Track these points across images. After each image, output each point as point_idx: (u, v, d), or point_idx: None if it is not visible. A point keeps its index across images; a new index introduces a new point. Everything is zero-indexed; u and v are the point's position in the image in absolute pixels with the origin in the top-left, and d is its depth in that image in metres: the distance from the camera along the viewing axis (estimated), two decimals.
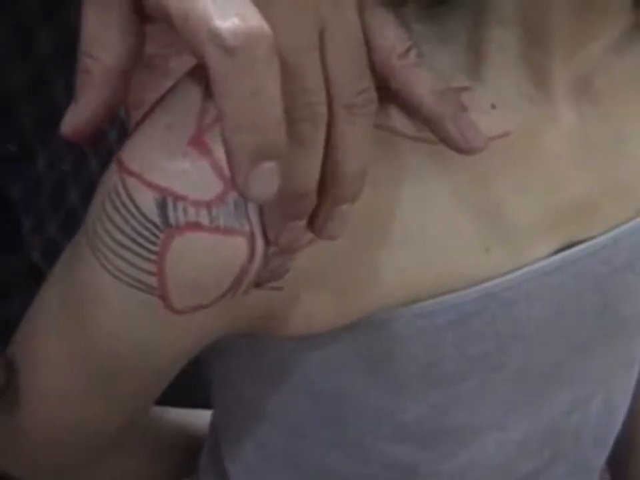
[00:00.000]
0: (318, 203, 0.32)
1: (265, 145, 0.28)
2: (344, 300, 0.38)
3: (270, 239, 0.33)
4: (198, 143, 0.32)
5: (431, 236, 0.38)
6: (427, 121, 0.35)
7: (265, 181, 0.29)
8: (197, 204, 0.32)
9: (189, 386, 0.49)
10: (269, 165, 0.28)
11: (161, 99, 0.34)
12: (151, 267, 0.33)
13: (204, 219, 0.32)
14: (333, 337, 0.40)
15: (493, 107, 0.37)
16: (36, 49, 0.50)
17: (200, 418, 0.58)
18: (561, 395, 0.47)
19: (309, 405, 0.44)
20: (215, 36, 0.27)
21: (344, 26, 0.32)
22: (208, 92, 0.32)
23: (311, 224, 0.33)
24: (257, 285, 0.35)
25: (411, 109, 0.35)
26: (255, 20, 0.27)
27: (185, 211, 0.32)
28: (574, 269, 0.42)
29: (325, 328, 0.39)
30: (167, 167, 0.32)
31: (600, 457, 0.54)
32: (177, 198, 0.32)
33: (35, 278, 0.55)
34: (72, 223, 0.59)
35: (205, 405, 0.57)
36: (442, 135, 0.35)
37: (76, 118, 0.32)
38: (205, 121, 0.32)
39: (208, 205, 0.32)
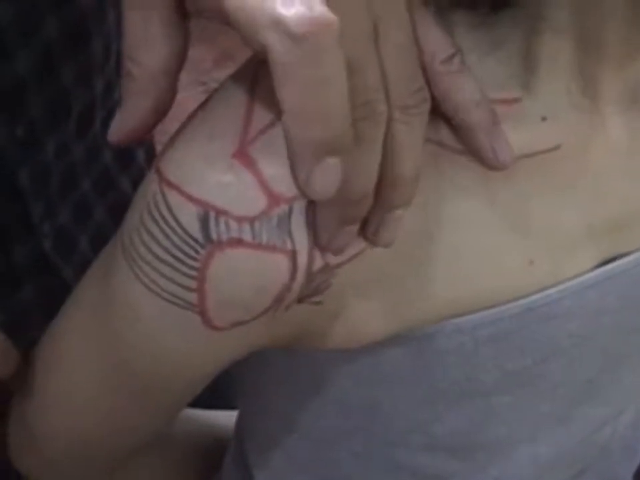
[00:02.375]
0: (371, 208, 0.31)
1: (330, 139, 0.27)
2: (384, 314, 0.37)
3: (321, 243, 0.32)
4: (242, 156, 0.31)
5: (474, 250, 0.37)
6: (460, 129, 0.34)
7: (328, 177, 0.27)
8: (240, 219, 0.31)
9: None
10: (333, 161, 0.27)
11: (203, 106, 0.32)
12: (191, 283, 0.32)
13: (246, 235, 0.31)
14: (370, 350, 0.39)
15: (544, 119, 0.36)
16: (43, 34, 0.49)
17: (220, 419, 0.58)
18: (594, 409, 0.46)
19: (341, 416, 0.43)
20: (279, 23, 0.26)
21: (397, 24, 0.31)
22: (252, 100, 0.31)
23: (364, 231, 0.32)
24: (300, 300, 0.34)
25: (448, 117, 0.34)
26: (321, 7, 0.26)
27: (227, 226, 0.31)
28: (614, 283, 0.41)
29: (364, 342, 0.38)
30: (210, 180, 0.31)
31: (628, 469, 0.54)
32: (220, 213, 0.30)
33: (45, 267, 0.55)
34: (83, 212, 0.59)
35: (218, 405, 0.56)
36: (473, 146, 0.34)
37: (123, 125, 0.31)
38: (250, 133, 0.31)
39: (251, 221, 0.31)
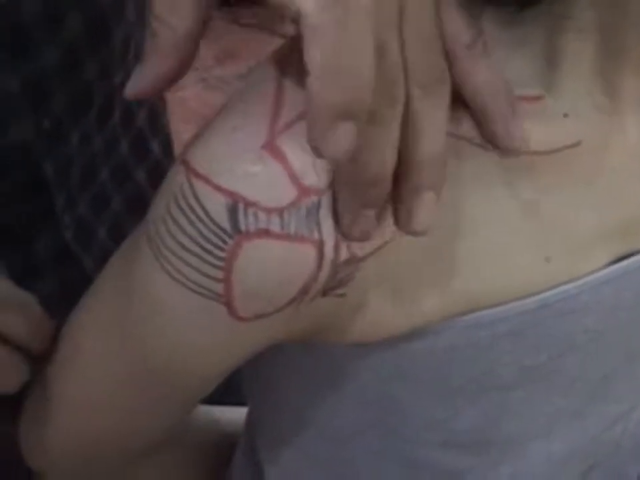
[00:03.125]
0: (400, 193, 0.31)
1: (351, 102, 0.27)
2: (405, 309, 0.37)
3: (342, 228, 0.32)
4: (271, 147, 0.31)
5: (493, 246, 0.37)
6: (477, 113, 0.34)
7: (341, 139, 0.27)
8: (269, 210, 0.31)
9: None
10: (350, 125, 0.27)
11: (230, 100, 0.33)
12: (218, 274, 0.32)
13: (275, 226, 0.31)
14: (389, 344, 0.39)
15: (565, 115, 0.36)
16: (68, 29, 0.50)
17: (230, 414, 0.58)
18: (608, 406, 0.46)
19: (357, 412, 0.43)
20: None
21: (421, 6, 0.31)
22: (280, 91, 0.31)
23: (397, 217, 0.32)
24: (324, 293, 0.34)
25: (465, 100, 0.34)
26: None
27: (255, 217, 0.31)
28: (629, 279, 0.41)
29: (384, 336, 0.38)
30: (239, 171, 0.31)
31: (636, 466, 0.54)
32: (249, 204, 0.31)
33: (66, 258, 0.55)
34: (101, 202, 0.59)
35: (228, 401, 0.56)
36: (487, 130, 0.34)
37: (143, 81, 0.32)
38: (278, 124, 0.31)
39: (280, 212, 0.31)
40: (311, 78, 0.27)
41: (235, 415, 0.57)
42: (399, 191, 0.31)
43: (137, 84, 0.32)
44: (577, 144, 0.36)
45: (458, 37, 0.33)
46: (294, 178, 0.31)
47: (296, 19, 0.27)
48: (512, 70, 0.35)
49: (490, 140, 0.34)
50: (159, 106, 0.65)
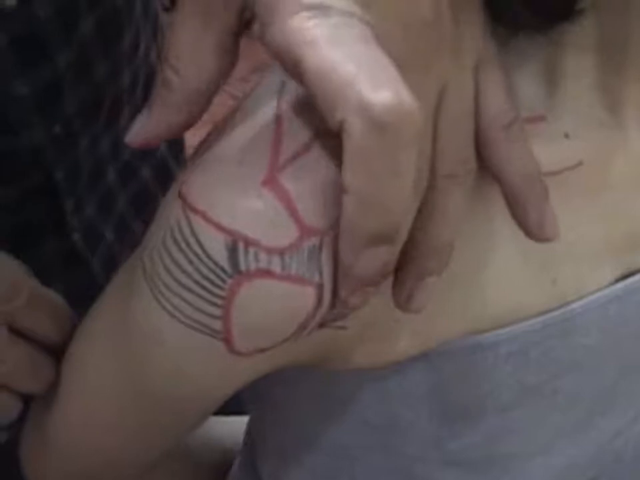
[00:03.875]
0: (404, 274, 0.31)
1: (387, 230, 0.26)
2: (407, 334, 0.37)
3: (340, 296, 0.31)
4: (273, 183, 0.29)
5: (497, 268, 0.37)
6: (508, 198, 0.33)
7: (374, 261, 0.27)
8: (270, 250, 0.30)
9: None
10: (383, 249, 0.27)
11: (228, 126, 0.31)
12: (216, 311, 0.31)
13: (275, 267, 0.30)
14: (392, 369, 0.39)
15: (567, 136, 0.36)
16: (80, 32, 0.49)
17: (224, 426, 0.57)
18: (609, 419, 0.46)
19: (360, 431, 0.43)
20: (366, 108, 0.25)
21: (460, 92, 0.30)
22: (280, 121, 0.30)
23: (396, 296, 0.32)
24: (321, 325, 0.33)
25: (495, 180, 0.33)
26: (408, 96, 0.25)
27: (256, 257, 0.30)
28: (633, 297, 0.41)
29: (386, 363, 0.38)
30: (239, 208, 0.30)
31: (638, 478, 0.54)
32: (249, 243, 0.30)
33: (74, 261, 0.55)
34: (108, 203, 0.59)
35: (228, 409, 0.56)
36: (519, 218, 0.33)
37: (147, 132, 0.30)
38: (280, 159, 0.30)
39: (281, 252, 0.30)
40: (348, 198, 0.26)
41: (233, 426, 0.57)
42: (403, 272, 0.31)
43: (140, 134, 0.30)
44: (578, 164, 0.36)
45: (497, 120, 0.31)
46: (296, 216, 0.30)
47: (335, 128, 0.26)
48: (512, 90, 0.34)
49: (521, 225, 0.33)
50: None
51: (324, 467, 0.46)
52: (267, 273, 0.30)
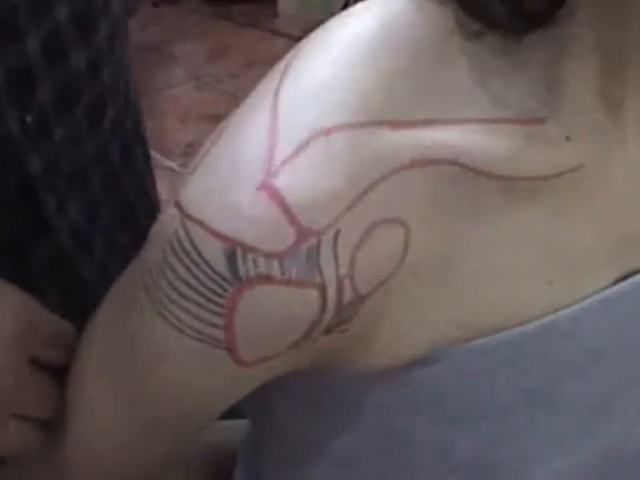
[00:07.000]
0: None
1: None
2: (406, 338, 0.37)
3: None
4: (268, 188, 0.30)
5: (497, 272, 0.37)
6: None
7: None
8: (268, 255, 0.30)
9: None
10: None
11: (222, 134, 0.32)
12: (219, 321, 0.31)
13: (275, 271, 0.30)
14: (392, 373, 0.38)
15: (567, 139, 0.36)
16: (53, 16, 0.49)
17: (223, 432, 0.57)
18: (612, 423, 0.46)
19: (360, 439, 0.43)
20: None
21: None
22: (274, 126, 0.30)
23: None
24: (327, 331, 0.33)
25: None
26: None
27: (255, 263, 0.30)
28: (631, 299, 0.41)
29: (387, 365, 0.38)
30: (235, 214, 0.30)
31: None
32: (247, 249, 0.30)
33: (64, 266, 0.55)
34: (92, 208, 0.58)
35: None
36: None
37: None
38: (274, 162, 0.30)
39: (280, 257, 0.30)
40: None
41: (232, 431, 0.57)
42: None
43: None
44: (579, 167, 0.36)
45: None
46: (292, 219, 0.30)
47: None
48: (514, 94, 0.35)
49: None
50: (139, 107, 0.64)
51: (320, 473, 0.46)
52: (267, 279, 0.30)
